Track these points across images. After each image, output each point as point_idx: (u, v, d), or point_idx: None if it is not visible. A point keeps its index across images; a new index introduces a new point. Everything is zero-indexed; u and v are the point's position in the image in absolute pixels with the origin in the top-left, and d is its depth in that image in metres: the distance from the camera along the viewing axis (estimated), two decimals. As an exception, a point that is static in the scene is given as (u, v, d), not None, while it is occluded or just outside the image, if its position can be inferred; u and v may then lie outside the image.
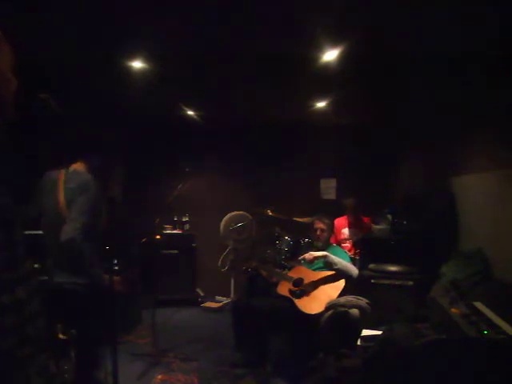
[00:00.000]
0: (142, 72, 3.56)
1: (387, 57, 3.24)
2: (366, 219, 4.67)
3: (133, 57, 3.28)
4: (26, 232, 3.20)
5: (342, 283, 3.23)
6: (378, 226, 4.11)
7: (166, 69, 3.58)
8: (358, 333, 2.71)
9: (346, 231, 4.76)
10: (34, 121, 3.21)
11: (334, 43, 2.95)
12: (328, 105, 4.69)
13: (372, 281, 3.57)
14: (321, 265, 3.45)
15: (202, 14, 2.64)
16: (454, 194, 3.65)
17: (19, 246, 0.94)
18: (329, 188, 5.99)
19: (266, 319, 3.22)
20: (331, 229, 3.69)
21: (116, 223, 4.17)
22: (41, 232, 2.43)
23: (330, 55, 3.14)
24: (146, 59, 3.33)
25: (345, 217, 4.79)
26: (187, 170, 4.73)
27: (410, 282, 3.47)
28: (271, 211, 5.04)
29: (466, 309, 2.33)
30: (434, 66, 3.32)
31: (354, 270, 3.29)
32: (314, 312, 3.10)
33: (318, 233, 3.58)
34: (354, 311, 2.90)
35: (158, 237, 4.77)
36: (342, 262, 3.28)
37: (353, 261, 3.65)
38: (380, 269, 3.61)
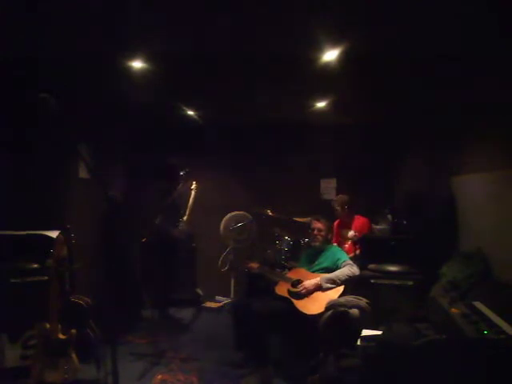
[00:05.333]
0: (141, 72, 3.56)
1: (387, 57, 3.24)
2: (363, 219, 4.64)
3: (133, 57, 3.28)
4: (26, 232, 3.22)
5: (342, 286, 3.23)
6: (377, 226, 4.11)
7: (166, 69, 3.58)
8: (358, 333, 2.70)
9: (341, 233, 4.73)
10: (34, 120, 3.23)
11: (334, 43, 2.95)
12: (328, 105, 4.69)
13: (372, 281, 3.56)
14: (320, 266, 3.46)
15: (202, 14, 2.64)
16: (454, 194, 3.65)
17: None
18: (329, 188, 5.98)
19: (265, 319, 3.22)
20: (329, 229, 3.68)
21: (116, 223, 4.20)
22: (41, 232, 2.46)
23: (330, 55, 3.14)
24: (146, 59, 3.33)
25: (337, 221, 4.78)
26: (187, 170, 4.74)
27: (410, 282, 3.47)
28: (271, 211, 5.04)
29: (465, 309, 2.33)
30: (434, 66, 3.32)
31: (353, 272, 3.28)
32: (313, 313, 3.09)
33: (316, 233, 3.58)
34: (354, 311, 2.90)
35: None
36: (338, 274, 3.26)
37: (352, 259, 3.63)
38: (380, 269, 3.61)
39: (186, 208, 4.72)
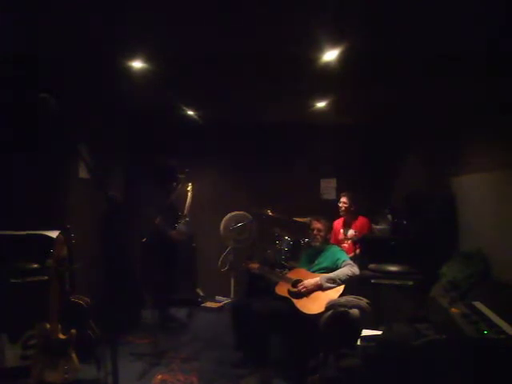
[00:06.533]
0: (141, 72, 3.56)
1: (388, 56, 3.24)
2: (364, 219, 4.63)
3: (133, 57, 3.28)
4: (26, 232, 3.22)
5: (342, 286, 3.23)
6: (377, 226, 4.10)
7: (166, 69, 3.58)
8: (358, 333, 2.70)
9: (343, 232, 4.72)
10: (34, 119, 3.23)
11: (334, 43, 2.95)
12: (328, 105, 4.69)
13: (372, 281, 3.56)
14: (320, 266, 3.46)
15: (202, 14, 2.64)
16: (454, 194, 3.65)
17: None
18: (329, 188, 5.99)
19: (265, 319, 3.22)
20: (328, 229, 3.69)
21: (116, 223, 4.20)
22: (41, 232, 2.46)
23: (330, 55, 3.14)
24: (146, 59, 3.33)
25: (341, 219, 4.77)
26: (187, 170, 4.74)
27: (410, 282, 3.47)
28: (271, 211, 5.04)
29: (465, 309, 2.33)
30: (433, 66, 3.32)
31: (354, 271, 3.28)
32: (313, 312, 3.09)
33: (315, 233, 3.59)
34: (354, 311, 2.90)
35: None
36: (338, 274, 3.25)
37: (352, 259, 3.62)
38: (380, 269, 3.61)
39: (184, 209, 4.74)
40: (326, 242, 3.67)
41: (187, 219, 4.67)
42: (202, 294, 5.61)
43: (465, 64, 3.17)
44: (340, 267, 3.32)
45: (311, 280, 3.28)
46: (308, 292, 3.25)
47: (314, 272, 3.43)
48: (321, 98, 4.52)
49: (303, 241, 4.56)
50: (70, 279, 3.16)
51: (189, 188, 4.86)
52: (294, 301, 3.25)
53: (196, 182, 4.99)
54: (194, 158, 5.46)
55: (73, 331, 2.77)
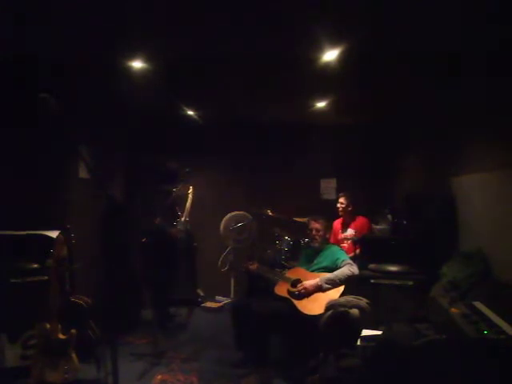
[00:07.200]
0: (141, 72, 3.56)
1: (387, 56, 3.24)
2: (363, 219, 4.63)
3: (133, 57, 3.28)
4: (26, 232, 3.22)
5: (342, 286, 3.23)
6: (377, 226, 4.10)
7: (166, 69, 3.58)
8: (358, 333, 2.70)
9: (342, 232, 4.72)
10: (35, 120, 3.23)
11: (334, 43, 2.95)
12: (328, 105, 4.69)
13: (372, 281, 3.56)
14: (320, 265, 3.45)
15: (202, 14, 2.64)
16: (454, 194, 3.65)
17: None
18: (329, 188, 5.98)
19: (265, 319, 3.22)
20: (327, 228, 3.68)
21: (116, 223, 4.20)
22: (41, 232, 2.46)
23: (330, 55, 3.14)
24: (146, 59, 3.33)
25: (341, 219, 4.76)
26: (187, 170, 4.74)
27: (410, 282, 3.47)
28: (271, 211, 5.04)
29: (465, 309, 2.33)
30: (434, 66, 3.32)
31: (353, 271, 3.28)
32: (314, 313, 3.09)
33: (314, 233, 3.58)
34: (354, 311, 2.90)
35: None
36: (338, 274, 3.25)
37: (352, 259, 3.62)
38: (380, 269, 3.61)
39: (184, 210, 4.74)
40: (326, 241, 3.67)
41: (187, 219, 4.68)
42: (202, 293, 5.61)
43: (465, 64, 3.17)
44: (339, 267, 3.32)
45: (311, 281, 3.28)
46: (308, 293, 3.25)
47: (313, 271, 3.43)
48: (321, 98, 4.52)
49: (303, 241, 4.56)
50: (70, 279, 3.16)
51: (189, 191, 4.86)
52: (295, 302, 3.24)
53: (196, 181, 4.99)
54: (194, 158, 5.46)
55: (73, 331, 2.77)
